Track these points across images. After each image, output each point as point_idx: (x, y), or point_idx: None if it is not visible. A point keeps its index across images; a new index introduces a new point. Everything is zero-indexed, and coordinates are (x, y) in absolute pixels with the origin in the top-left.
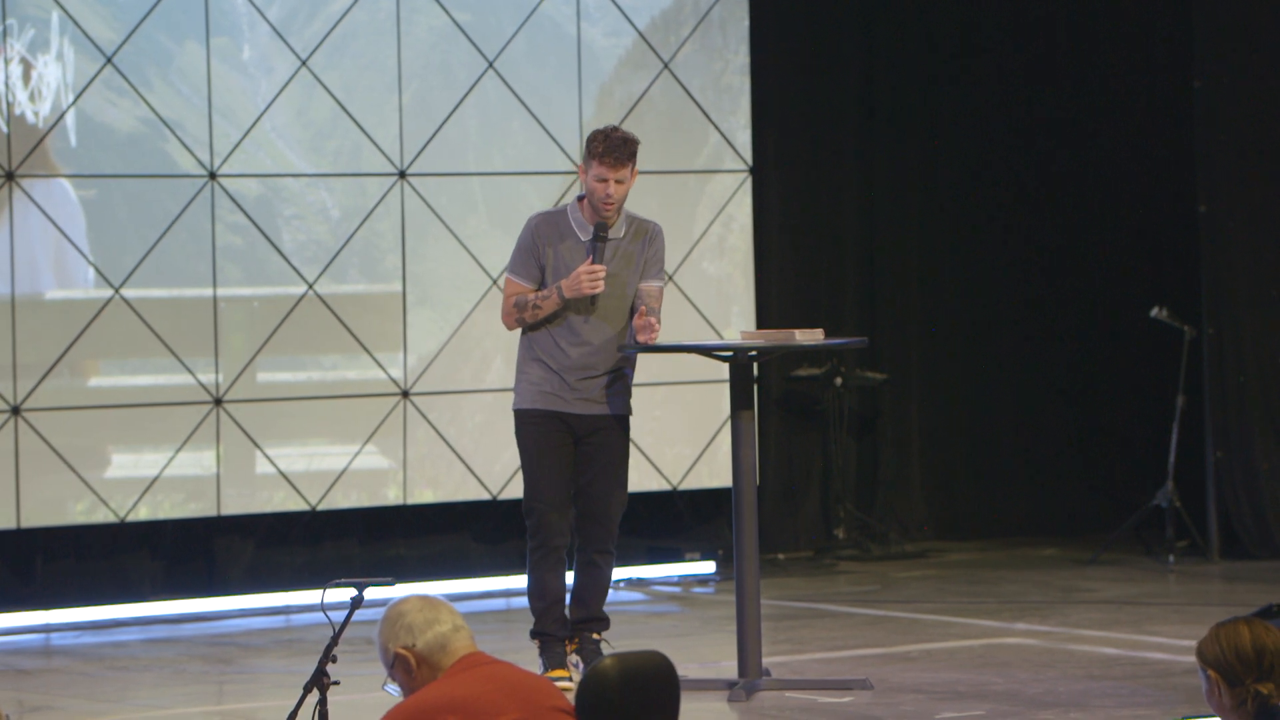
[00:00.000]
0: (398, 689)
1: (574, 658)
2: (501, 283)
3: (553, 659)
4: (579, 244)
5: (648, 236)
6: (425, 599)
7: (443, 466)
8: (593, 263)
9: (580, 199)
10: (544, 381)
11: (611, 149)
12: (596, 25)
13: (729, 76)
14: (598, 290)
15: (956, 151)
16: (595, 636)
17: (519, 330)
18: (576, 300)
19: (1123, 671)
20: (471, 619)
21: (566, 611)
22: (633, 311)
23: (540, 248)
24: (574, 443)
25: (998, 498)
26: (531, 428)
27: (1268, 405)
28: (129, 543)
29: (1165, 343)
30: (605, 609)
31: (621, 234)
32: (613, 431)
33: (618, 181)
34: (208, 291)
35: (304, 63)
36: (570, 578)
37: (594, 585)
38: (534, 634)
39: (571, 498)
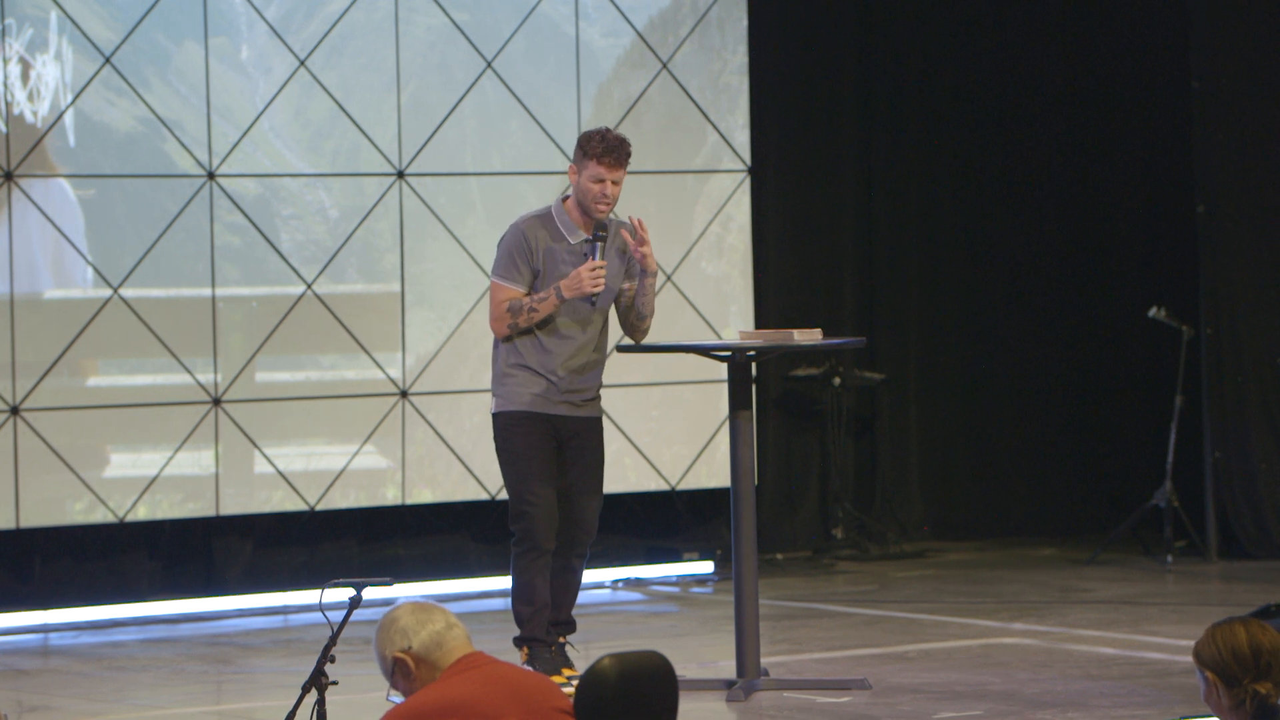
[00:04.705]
0: (402, 699)
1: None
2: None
3: (545, 666)
4: (570, 246)
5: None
6: (416, 603)
7: (441, 466)
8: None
9: (564, 199)
10: (531, 384)
11: (610, 149)
12: (595, 25)
13: (727, 76)
14: (599, 289)
15: (955, 151)
16: (561, 640)
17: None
18: (566, 304)
19: (1120, 671)
20: (470, 619)
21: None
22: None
23: (534, 250)
24: (556, 447)
25: (996, 498)
26: (519, 429)
27: (1266, 405)
28: (127, 542)
29: (1163, 342)
30: (596, 610)
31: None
32: (592, 435)
33: (614, 182)
34: (206, 291)
35: (302, 63)
36: None
37: (567, 588)
38: (521, 641)
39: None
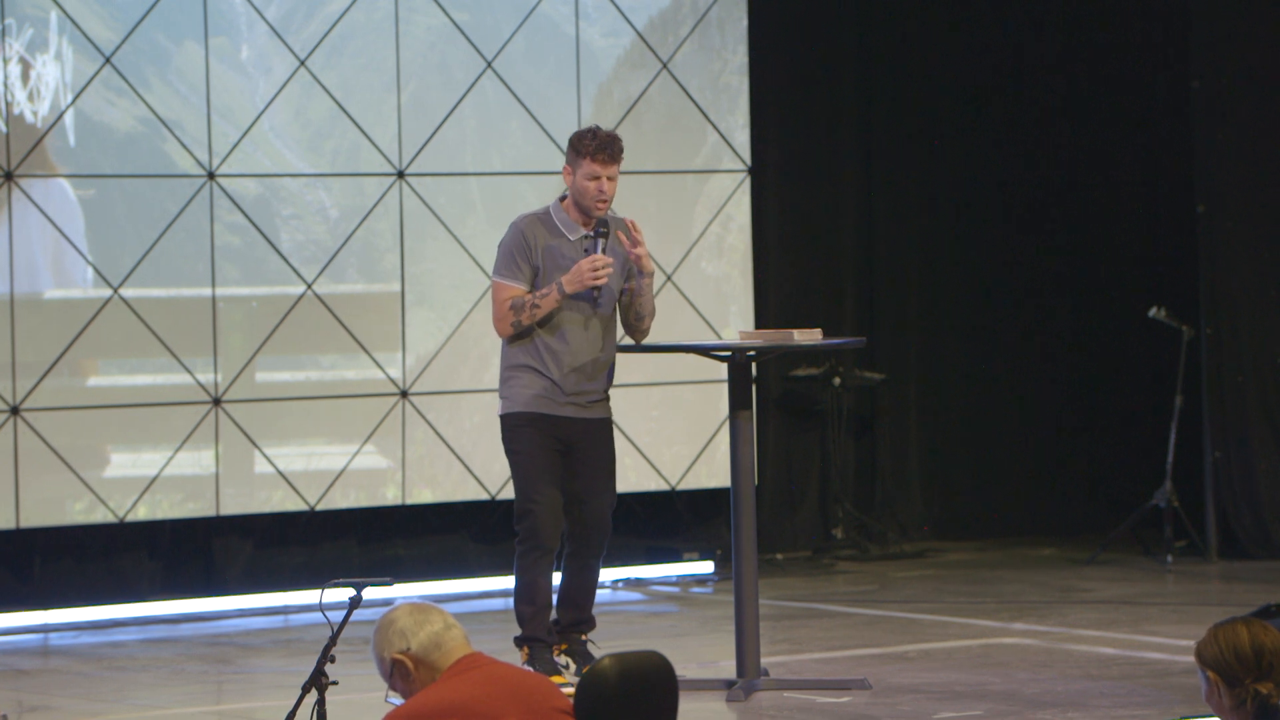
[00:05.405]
0: (401, 700)
1: (564, 659)
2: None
3: (545, 666)
4: (569, 244)
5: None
6: (413, 604)
7: (441, 466)
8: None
9: (562, 199)
10: (535, 385)
11: (603, 146)
12: (595, 25)
13: (727, 76)
14: (600, 282)
15: (955, 152)
16: (583, 638)
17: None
18: (568, 303)
19: (1120, 671)
20: (469, 619)
21: (554, 615)
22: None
23: (533, 248)
24: (563, 449)
25: (996, 497)
26: (523, 430)
27: (1266, 405)
28: (127, 542)
29: (1163, 342)
30: (596, 610)
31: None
32: (601, 436)
33: (609, 178)
34: (206, 291)
35: (302, 63)
36: (557, 579)
37: (587, 588)
38: (522, 640)
39: (564, 504)
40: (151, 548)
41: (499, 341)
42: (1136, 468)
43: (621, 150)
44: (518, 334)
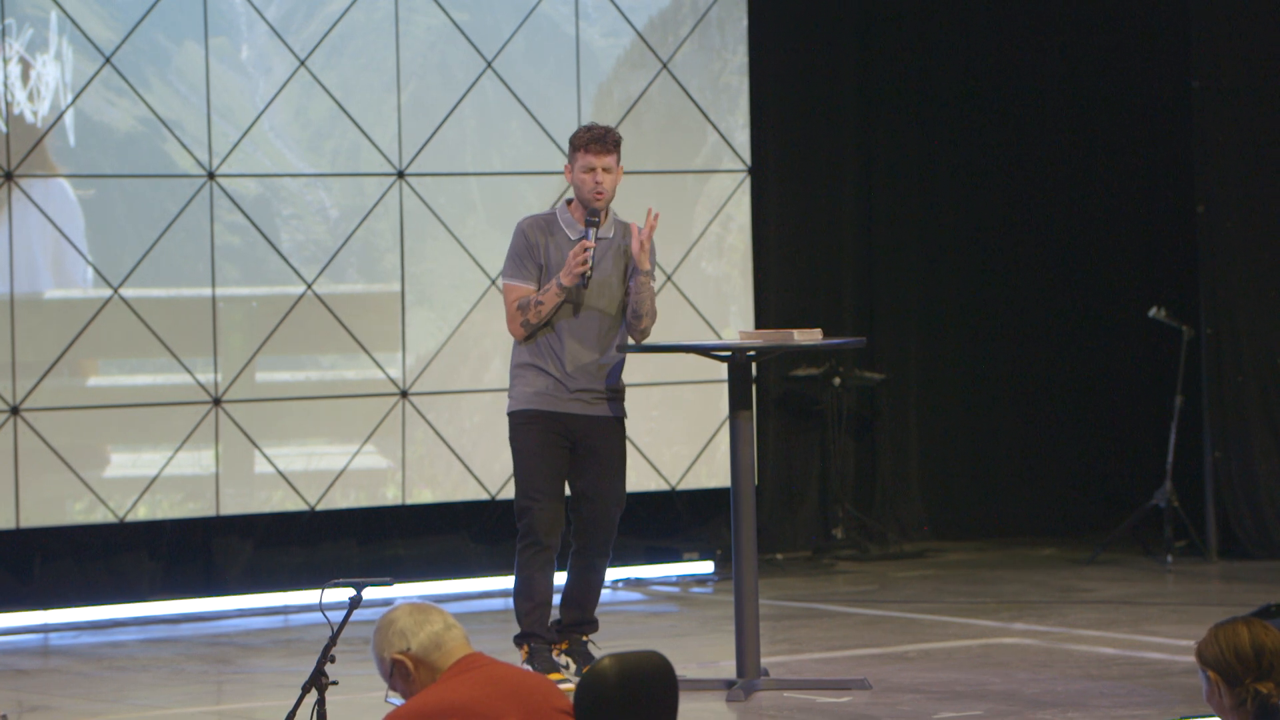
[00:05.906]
0: (401, 700)
1: (564, 659)
2: (500, 283)
3: (544, 664)
4: (570, 242)
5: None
6: (413, 604)
7: (441, 466)
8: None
9: (568, 202)
10: (537, 383)
11: (596, 138)
12: (595, 25)
13: (727, 76)
14: (584, 269)
15: (955, 151)
16: (584, 639)
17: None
18: (573, 299)
19: (1121, 671)
20: (469, 619)
21: (556, 614)
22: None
23: (536, 247)
24: (570, 446)
25: (996, 498)
26: (527, 427)
27: (1266, 405)
28: (128, 542)
29: (1163, 343)
30: (598, 611)
31: (611, 234)
32: (610, 433)
33: (605, 170)
34: (206, 291)
35: (302, 63)
36: (561, 578)
37: (590, 588)
38: (521, 639)
39: (570, 501)
40: (151, 548)
41: (499, 342)
42: (1136, 468)
43: (616, 142)
44: (528, 334)
